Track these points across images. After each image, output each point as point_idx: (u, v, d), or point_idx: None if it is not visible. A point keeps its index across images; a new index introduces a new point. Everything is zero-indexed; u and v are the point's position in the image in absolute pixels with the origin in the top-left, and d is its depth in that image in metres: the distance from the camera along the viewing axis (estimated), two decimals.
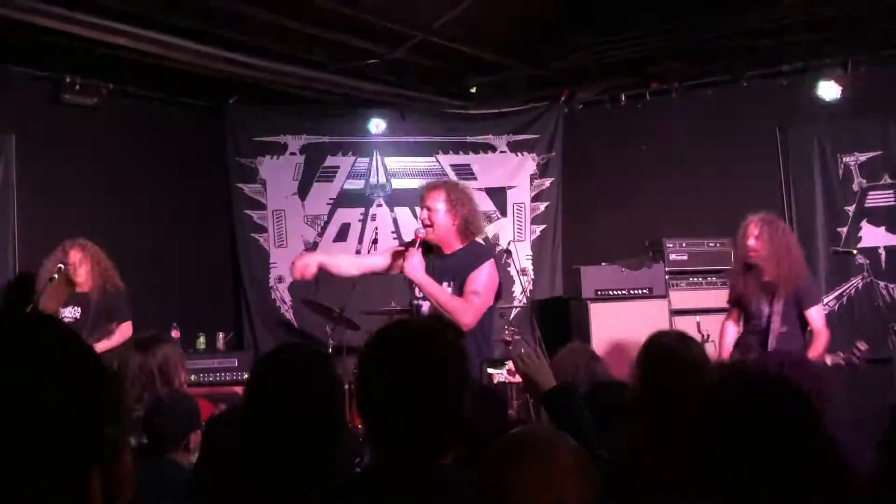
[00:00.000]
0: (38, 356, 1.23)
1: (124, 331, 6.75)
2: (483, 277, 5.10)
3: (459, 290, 5.10)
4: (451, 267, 5.18)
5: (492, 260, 5.23)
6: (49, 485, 1.19)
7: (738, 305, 6.29)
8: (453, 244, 5.22)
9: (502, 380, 5.18)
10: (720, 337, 6.33)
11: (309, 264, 5.22)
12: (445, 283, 5.12)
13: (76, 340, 1.29)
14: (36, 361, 1.22)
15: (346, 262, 5.70)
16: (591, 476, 1.67)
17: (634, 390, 3.18)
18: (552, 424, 2.94)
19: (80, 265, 6.67)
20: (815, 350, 5.85)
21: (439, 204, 5.17)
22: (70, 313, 6.72)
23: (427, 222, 5.17)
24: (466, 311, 5.01)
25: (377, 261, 5.65)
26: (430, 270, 5.16)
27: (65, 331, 1.30)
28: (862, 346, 5.85)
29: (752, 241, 6.05)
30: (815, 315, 6.05)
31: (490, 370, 5.10)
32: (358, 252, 8.86)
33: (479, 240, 5.37)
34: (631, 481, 2.79)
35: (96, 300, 6.69)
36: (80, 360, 1.27)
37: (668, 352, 3.23)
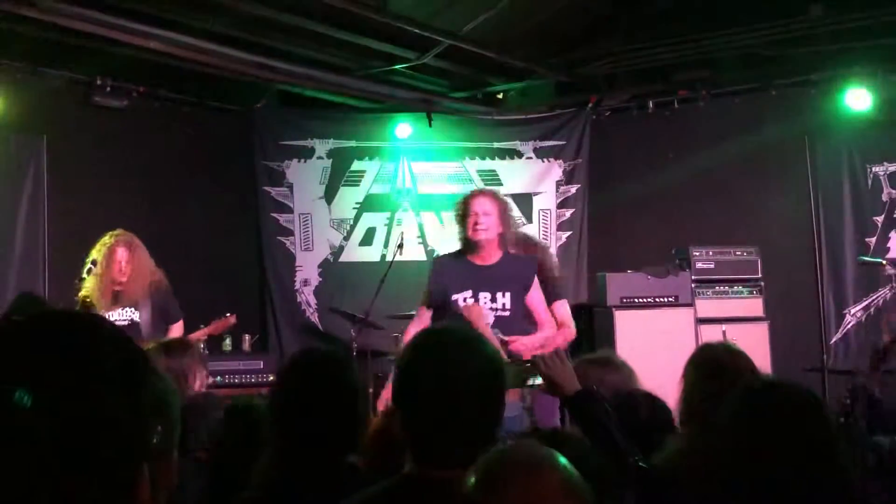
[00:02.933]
0: (86, 353, 1.24)
1: (178, 331, 6.50)
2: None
3: (517, 298, 5.21)
4: (502, 277, 5.23)
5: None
6: (98, 482, 1.20)
7: None
8: (493, 254, 5.29)
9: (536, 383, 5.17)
10: None
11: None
12: (500, 293, 5.17)
13: (123, 337, 1.30)
14: (84, 358, 1.23)
15: None
16: (580, 499, 1.58)
17: (682, 401, 3.18)
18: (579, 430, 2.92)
19: (127, 264, 6.35)
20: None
21: (493, 210, 5.26)
22: (124, 315, 6.39)
23: (482, 226, 5.20)
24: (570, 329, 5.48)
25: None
26: (468, 277, 5.22)
27: (111, 327, 1.32)
28: None
29: None
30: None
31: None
32: (383, 256, 8.89)
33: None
34: (672, 490, 2.78)
35: (150, 301, 6.40)
36: (129, 357, 1.28)
37: (716, 362, 3.22)
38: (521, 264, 5.39)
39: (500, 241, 5.30)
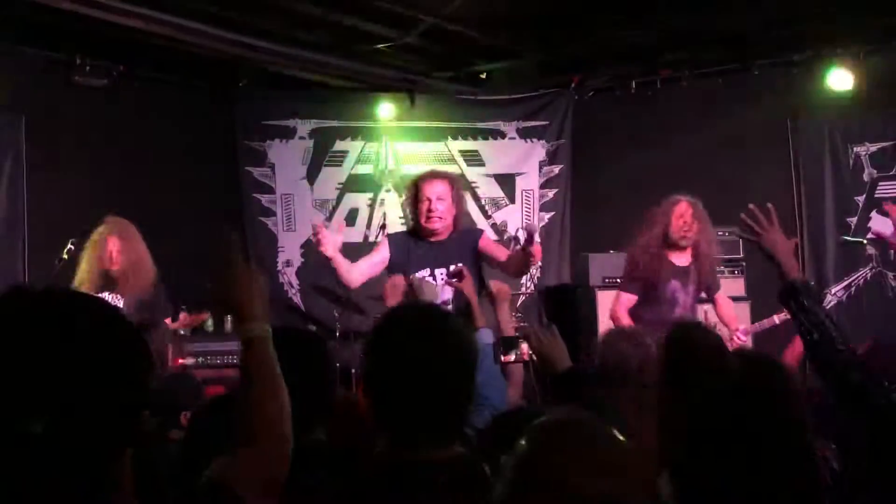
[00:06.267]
0: (85, 334, 1.23)
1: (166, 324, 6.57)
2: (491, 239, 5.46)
3: (473, 267, 5.13)
4: (454, 250, 5.21)
5: None
6: (85, 468, 1.19)
7: (639, 290, 6.01)
8: (443, 234, 5.27)
9: (512, 359, 5.20)
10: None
11: (326, 247, 5.04)
12: (453, 267, 5.07)
13: (122, 320, 1.30)
14: (82, 339, 1.22)
15: (354, 279, 5.39)
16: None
17: (656, 380, 3.20)
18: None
19: (119, 253, 6.30)
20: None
21: (447, 194, 5.20)
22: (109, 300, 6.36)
23: (436, 214, 5.15)
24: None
25: (372, 266, 5.46)
26: (423, 256, 5.22)
27: (112, 310, 1.31)
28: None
29: (687, 220, 5.99)
30: (725, 301, 6.25)
31: (504, 349, 5.13)
32: (366, 237, 8.87)
33: None
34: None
35: (136, 298, 6.31)
36: (126, 340, 1.27)
37: (685, 342, 3.24)
38: (466, 234, 5.38)
39: (454, 222, 5.28)
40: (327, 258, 5.03)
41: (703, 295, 6.23)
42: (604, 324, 7.56)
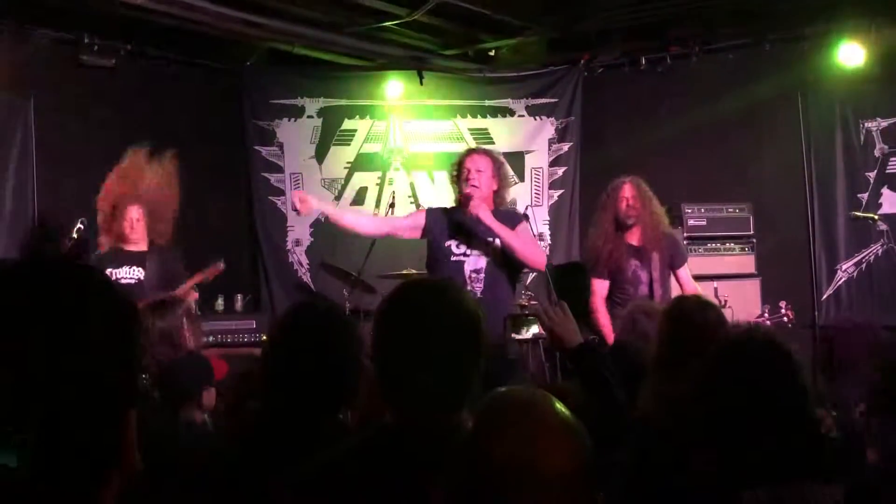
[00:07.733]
0: (81, 299, 1.24)
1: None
2: (530, 230, 5.67)
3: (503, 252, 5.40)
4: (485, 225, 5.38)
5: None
6: (86, 429, 1.20)
7: (607, 274, 6.25)
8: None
9: (528, 336, 5.29)
10: (604, 322, 6.14)
11: (306, 201, 5.42)
12: (490, 239, 5.38)
13: (114, 286, 1.31)
14: (79, 304, 1.23)
15: (359, 220, 5.92)
16: (577, 441, 1.56)
17: (653, 351, 3.25)
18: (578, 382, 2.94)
19: (138, 223, 6.41)
20: None
21: (486, 167, 5.45)
22: (128, 273, 6.40)
23: (475, 183, 5.38)
24: (541, 252, 5.58)
25: (397, 223, 5.89)
26: (463, 228, 5.44)
27: (105, 278, 1.32)
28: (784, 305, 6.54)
29: (630, 201, 6.23)
30: (687, 275, 6.32)
31: (516, 327, 5.19)
32: (375, 216, 8.87)
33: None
34: (658, 440, 2.83)
35: (156, 265, 6.39)
36: (120, 306, 1.28)
37: (685, 315, 3.28)
38: (509, 216, 5.60)
39: (494, 198, 5.49)
40: (325, 214, 5.51)
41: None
42: None
